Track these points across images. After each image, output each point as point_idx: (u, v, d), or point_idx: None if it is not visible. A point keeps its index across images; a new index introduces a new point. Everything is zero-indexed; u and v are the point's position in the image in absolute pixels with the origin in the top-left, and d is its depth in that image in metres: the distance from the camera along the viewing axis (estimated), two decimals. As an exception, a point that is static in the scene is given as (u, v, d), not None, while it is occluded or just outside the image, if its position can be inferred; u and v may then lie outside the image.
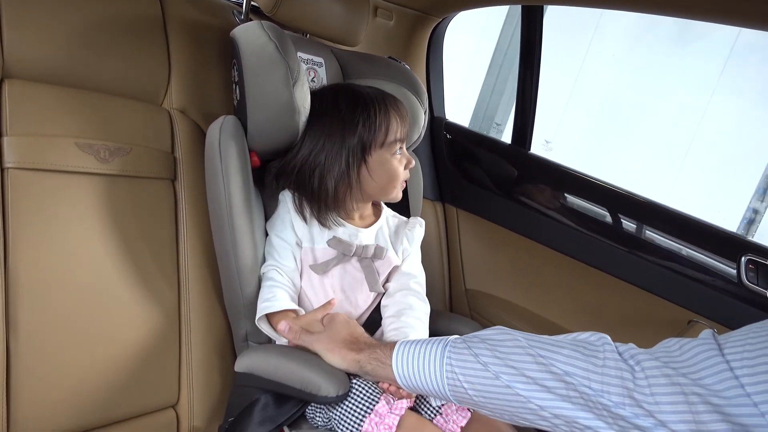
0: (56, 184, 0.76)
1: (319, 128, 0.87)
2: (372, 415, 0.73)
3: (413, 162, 0.93)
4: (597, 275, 1.12)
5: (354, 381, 0.77)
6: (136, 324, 0.82)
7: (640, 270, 1.06)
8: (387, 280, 0.94)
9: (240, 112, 0.87)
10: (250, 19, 1.02)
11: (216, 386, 0.91)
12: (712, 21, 0.93)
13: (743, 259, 0.93)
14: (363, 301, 0.90)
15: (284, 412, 0.78)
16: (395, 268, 0.94)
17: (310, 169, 0.87)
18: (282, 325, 0.80)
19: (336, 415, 0.75)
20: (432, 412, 0.81)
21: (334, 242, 0.88)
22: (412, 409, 0.79)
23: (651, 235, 1.05)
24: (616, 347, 0.57)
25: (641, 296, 1.06)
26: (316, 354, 0.78)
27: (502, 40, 3.79)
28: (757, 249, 0.93)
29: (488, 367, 0.61)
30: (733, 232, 0.99)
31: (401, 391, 0.73)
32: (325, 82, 1.03)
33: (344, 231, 0.89)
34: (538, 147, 1.31)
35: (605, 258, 1.11)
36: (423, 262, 1.00)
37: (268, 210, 0.92)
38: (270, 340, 0.87)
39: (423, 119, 1.06)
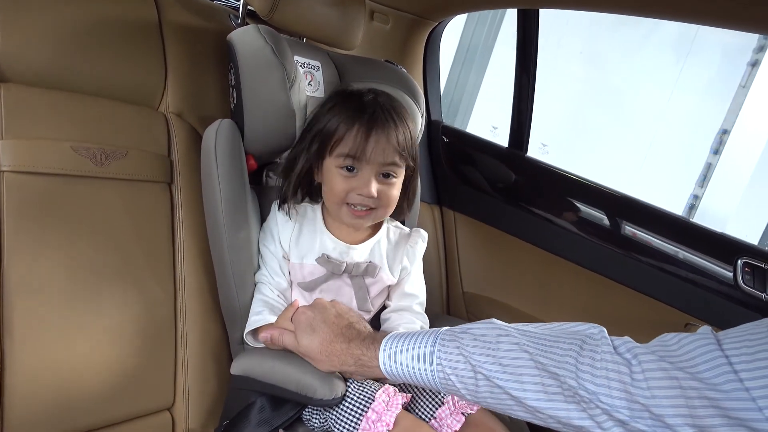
0: (52, 187, 0.76)
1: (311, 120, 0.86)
2: (369, 413, 0.73)
3: (372, 193, 0.79)
4: (594, 278, 1.12)
5: (349, 381, 0.77)
6: (131, 326, 0.82)
7: (638, 273, 1.06)
8: (387, 298, 0.92)
9: (237, 115, 0.87)
10: (247, 23, 1.03)
11: (212, 389, 0.90)
12: (709, 24, 0.94)
13: (739, 261, 0.93)
14: None
15: (281, 415, 0.78)
16: (390, 287, 0.91)
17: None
18: (263, 335, 0.80)
19: (332, 415, 0.75)
20: (426, 415, 0.81)
21: (322, 260, 0.84)
22: (407, 410, 0.78)
23: (648, 238, 1.05)
24: (612, 341, 0.57)
25: (638, 299, 1.06)
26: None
27: (464, 38, 3.81)
28: (752, 252, 0.93)
29: (480, 368, 0.61)
30: (729, 236, 0.99)
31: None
32: (322, 85, 1.03)
33: (335, 248, 0.86)
34: (534, 150, 1.31)
35: (602, 261, 1.11)
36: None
37: (264, 213, 0.91)
38: (265, 344, 0.87)
39: (420, 122, 1.07)
